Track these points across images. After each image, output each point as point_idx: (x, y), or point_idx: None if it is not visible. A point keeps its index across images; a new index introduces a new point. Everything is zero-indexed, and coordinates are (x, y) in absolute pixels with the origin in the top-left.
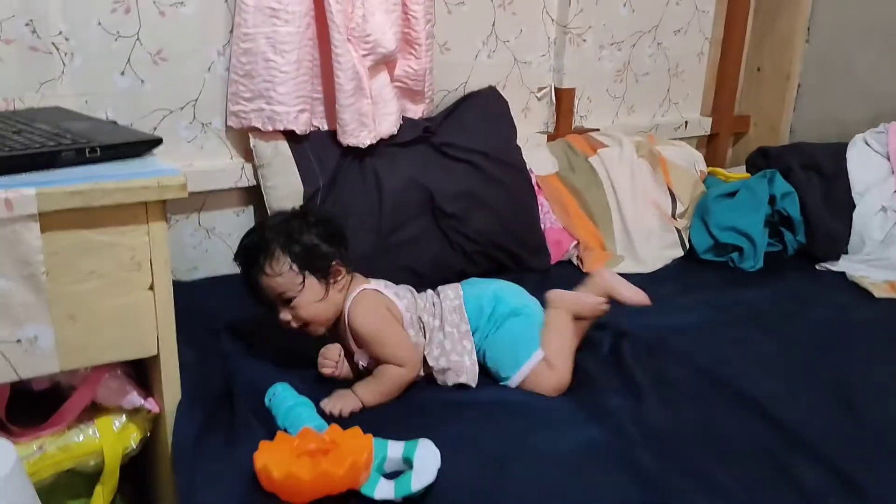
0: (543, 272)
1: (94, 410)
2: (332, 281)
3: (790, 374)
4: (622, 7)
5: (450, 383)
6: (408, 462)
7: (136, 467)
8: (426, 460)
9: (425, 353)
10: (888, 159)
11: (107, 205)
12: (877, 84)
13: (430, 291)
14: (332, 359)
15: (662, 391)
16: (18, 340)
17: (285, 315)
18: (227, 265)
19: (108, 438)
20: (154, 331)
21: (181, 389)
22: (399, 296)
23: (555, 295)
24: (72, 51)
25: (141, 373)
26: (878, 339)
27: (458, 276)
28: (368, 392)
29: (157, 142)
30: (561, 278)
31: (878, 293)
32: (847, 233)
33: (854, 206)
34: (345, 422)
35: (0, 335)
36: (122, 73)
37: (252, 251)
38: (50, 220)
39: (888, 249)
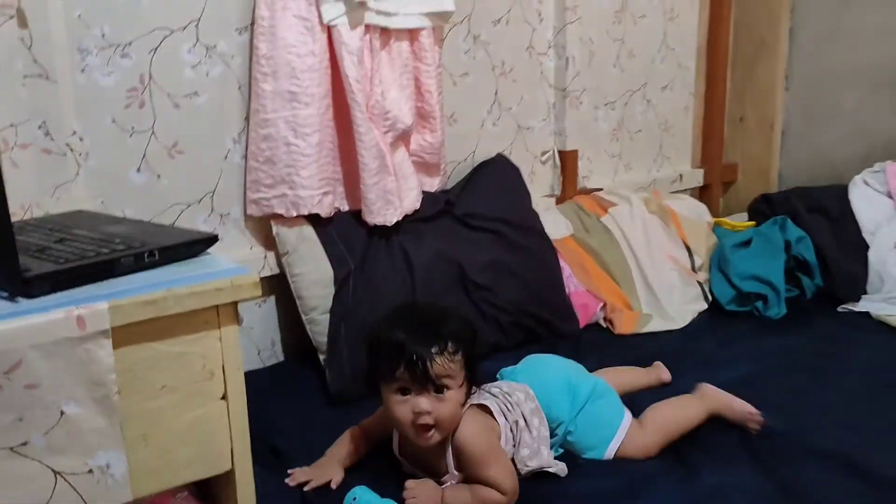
0: (575, 337)
1: None
2: (468, 393)
3: (860, 420)
4: (612, 67)
5: (530, 472)
6: None
7: None
8: None
9: (514, 458)
10: (890, 197)
11: (179, 312)
12: (863, 124)
13: (499, 393)
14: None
15: (746, 449)
16: (90, 471)
17: (427, 405)
18: (249, 360)
19: None
20: (228, 443)
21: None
22: (500, 411)
23: (708, 390)
24: (86, 150)
25: (203, 489)
26: None
27: (492, 349)
28: (460, 500)
29: (214, 239)
30: (594, 342)
31: None
32: (865, 273)
33: (867, 246)
34: None
35: (69, 467)
36: (139, 170)
37: (440, 324)
38: (120, 335)
39: None
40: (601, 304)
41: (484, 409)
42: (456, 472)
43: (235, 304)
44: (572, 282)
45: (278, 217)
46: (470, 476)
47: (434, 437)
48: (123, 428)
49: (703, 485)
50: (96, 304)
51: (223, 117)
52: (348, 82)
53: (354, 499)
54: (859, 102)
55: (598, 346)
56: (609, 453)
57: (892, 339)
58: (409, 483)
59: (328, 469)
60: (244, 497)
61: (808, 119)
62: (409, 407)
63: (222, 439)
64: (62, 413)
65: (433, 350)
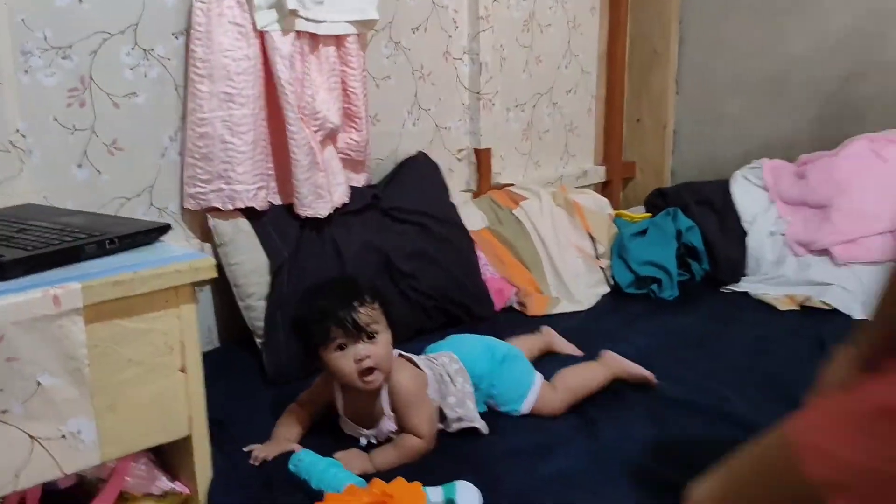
0: (491, 319)
1: (120, 501)
2: (394, 337)
3: (737, 382)
4: (521, 72)
5: (458, 428)
6: (450, 502)
7: None
8: (469, 498)
9: (442, 406)
10: (765, 190)
11: (144, 292)
12: (744, 126)
13: (424, 357)
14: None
15: (643, 408)
16: (63, 436)
17: (364, 350)
18: None
19: None
20: (186, 412)
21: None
22: (425, 365)
23: (610, 357)
24: (30, 147)
25: (160, 457)
26: (796, 344)
27: (417, 333)
28: (387, 461)
29: (167, 228)
30: (508, 323)
31: (781, 306)
32: (744, 257)
33: (746, 234)
34: (385, 475)
35: (45, 432)
36: (80, 166)
37: (352, 285)
38: (90, 313)
39: (781, 268)
40: (514, 290)
41: (410, 360)
42: (391, 414)
43: (193, 284)
44: (488, 269)
45: (214, 210)
46: (400, 420)
47: (377, 378)
48: (93, 398)
49: (607, 439)
50: (70, 284)
51: (161, 116)
52: (280, 84)
53: (300, 460)
54: (740, 107)
55: (513, 326)
56: (525, 408)
57: (767, 314)
58: (338, 454)
59: (280, 444)
60: (201, 460)
61: (697, 122)
62: (350, 357)
63: (181, 408)
64: (39, 384)
65: (355, 304)
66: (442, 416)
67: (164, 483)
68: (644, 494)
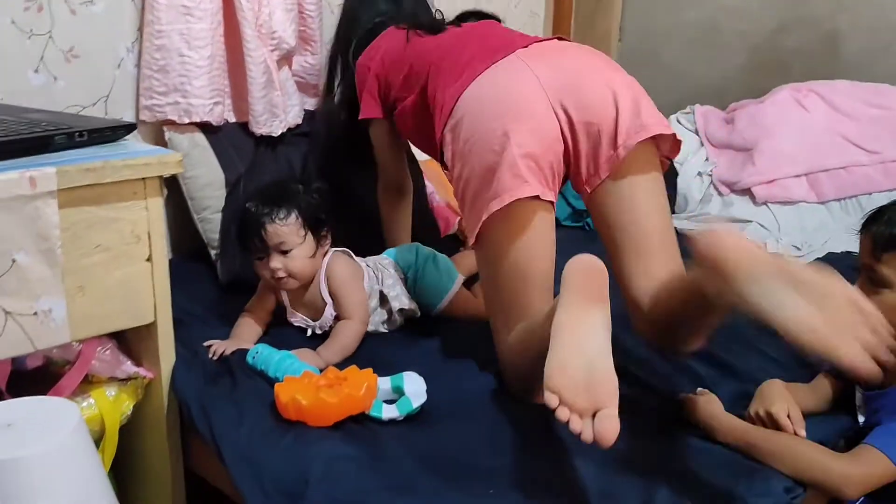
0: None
1: (85, 384)
2: (321, 244)
3: None
4: None
5: (396, 308)
6: (398, 391)
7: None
8: (416, 386)
9: (382, 290)
10: (697, 134)
11: (114, 181)
12: (679, 74)
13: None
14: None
15: None
16: (35, 313)
17: (276, 263)
18: None
19: (105, 407)
20: (152, 299)
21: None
22: (361, 259)
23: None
24: None
25: (124, 346)
26: None
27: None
28: (332, 352)
29: (132, 127)
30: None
31: None
32: (674, 195)
33: (676, 174)
34: (338, 364)
35: (18, 308)
36: (37, 71)
37: (271, 198)
38: (63, 198)
39: (706, 206)
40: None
41: (346, 253)
42: (331, 300)
43: (161, 178)
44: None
45: (170, 123)
46: (338, 305)
47: (291, 283)
48: (64, 279)
49: None
50: (46, 168)
51: (117, 26)
52: (238, 1)
53: (257, 352)
54: (677, 55)
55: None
56: (444, 302)
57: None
58: (293, 353)
59: (237, 342)
60: (165, 346)
61: (637, 67)
62: (266, 267)
63: (146, 295)
64: (13, 261)
65: (265, 221)
66: (384, 301)
67: (128, 367)
68: None
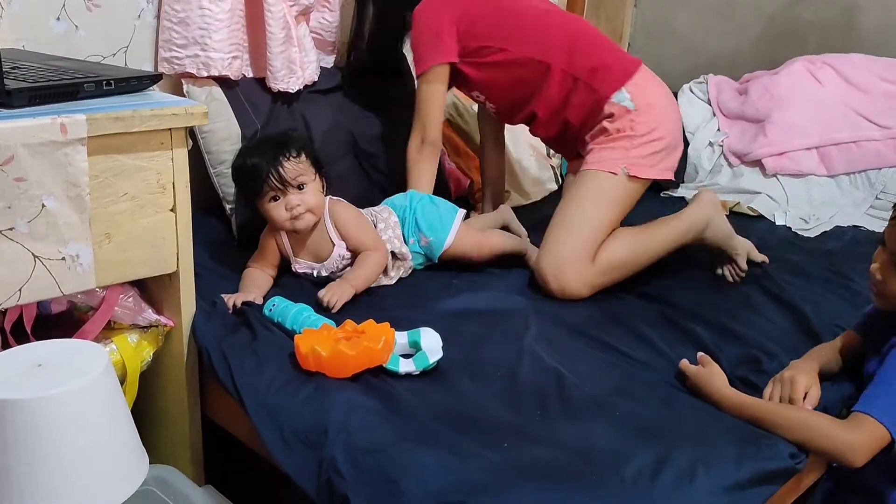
0: None
1: (108, 330)
2: (324, 185)
3: (669, 267)
4: None
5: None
6: (415, 346)
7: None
8: (432, 342)
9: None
10: (709, 104)
11: (142, 131)
12: (693, 43)
13: None
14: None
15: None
16: (63, 258)
17: (295, 199)
18: None
19: (127, 353)
20: (175, 249)
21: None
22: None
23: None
24: None
25: (146, 294)
26: None
27: None
28: (359, 279)
29: (158, 78)
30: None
31: None
32: (684, 165)
33: (688, 143)
34: (356, 319)
35: (47, 252)
36: (58, 19)
37: (282, 141)
38: (92, 145)
39: (716, 176)
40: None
41: (340, 201)
42: (341, 241)
43: (186, 129)
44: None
45: (189, 76)
46: (352, 241)
47: (308, 219)
48: (91, 225)
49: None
50: (76, 115)
51: None
52: None
53: (274, 304)
54: (691, 24)
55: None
56: (449, 240)
57: None
58: (321, 292)
59: (247, 294)
60: (186, 295)
61: (650, 35)
62: (282, 207)
63: (170, 245)
64: (43, 206)
65: (282, 159)
66: None
67: (149, 315)
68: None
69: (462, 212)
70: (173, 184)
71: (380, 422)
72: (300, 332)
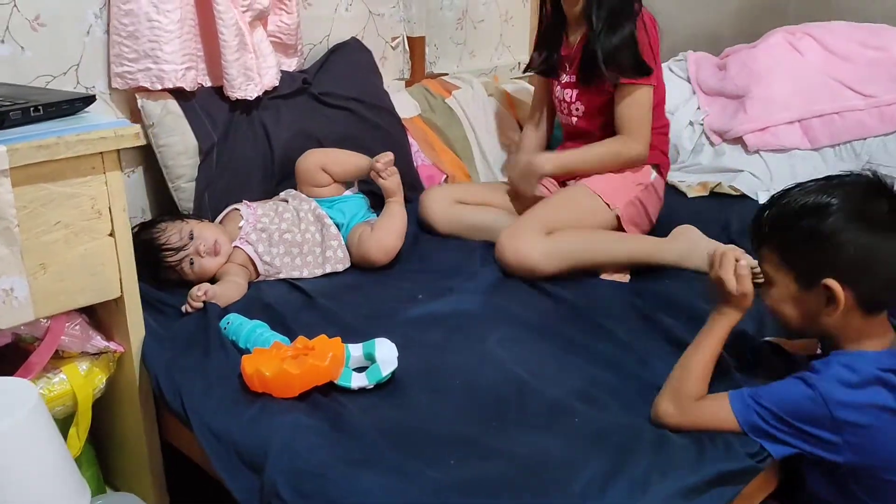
0: None
1: (57, 359)
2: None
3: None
4: None
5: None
6: (369, 358)
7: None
8: (387, 353)
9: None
10: (689, 82)
11: (69, 157)
12: (672, 20)
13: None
14: (197, 296)
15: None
16: None
17: (201, 244)
18: None
19: (77, 382)
20: (117, 274)
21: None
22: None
23: None
24: None
25: (94, 319)
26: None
27: None
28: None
29: (92, 99)
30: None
31: (690, 193)
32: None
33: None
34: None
35: None
36: (3, 41)
37: (143, 252)
38: (17, 176)
39: (698, 156)
40: (444, 176)
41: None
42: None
43: (118, 152)
44: (420, 156)
45: (143, 90)
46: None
47: (222, 246)
48: (24, 257)
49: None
50: None
51: None
52: None
53: (228, 322)
54: (666, 1)
55: None
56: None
57: (679, 200)
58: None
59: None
60: (133, 320)
61: None
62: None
63: (111, 270)
64: None
65: (170, 263)
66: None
67: (98, 342)
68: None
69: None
70: (109, 208)
71: (324, 443)
72: (251, 351)
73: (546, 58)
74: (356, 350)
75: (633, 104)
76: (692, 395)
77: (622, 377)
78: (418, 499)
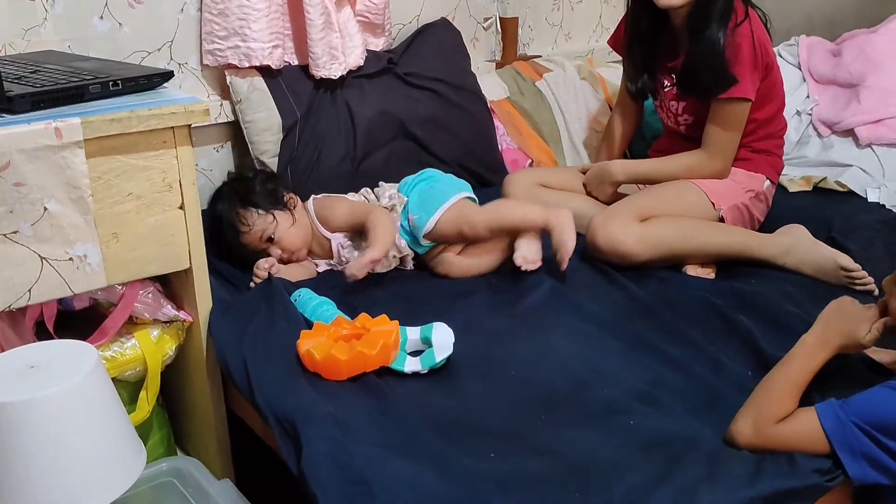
0: None
1: (130, 325)
2: (292, 206)
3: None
4: None
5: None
6: (426, 342)
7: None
8: (443, 338)
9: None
10: (800, 69)
11: (141, 130)
12: (785, 3)
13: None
14: (263, 268)
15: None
16: (70, 259)
17: (275, 252)
18: (206, 200)
19: (148, 348)
20: (186, 246)
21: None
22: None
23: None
24: None
25: (166, 289)
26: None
27: None
28: (375, 240)
29: (170, 74)
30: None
31: (792, 188)
32: None
33: None
34: (372, 312)
35: (54, 254)
36: (102, 17)
37: (221, 226)
38: (92, 147)
39: (804, 148)
40: (529, 161)
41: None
42: (334, 234)
43: (189, 126)
44: (505, 140)
45: (232, 67)
46: (348, 221)
47: (301, 254)
48: (97, 226)
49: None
50: (71, 119)
51: None
52: None
53: (299, 294)
54: None
55: None
56: (431, 222)
57: (778, 194)
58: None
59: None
60: (201, 292)
61: None
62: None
63: (181, 242)
64: (45, 209)
65: (237, 236)
66: None
67: (169, 311)
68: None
69: (464, 194)
70: (180, 182)
71: (366, 424)
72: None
73: (642, 86)
74: (413, 333)
75: (722, 120)
76: (771, 417)
77: (690, 380)
78: (449, 488)
